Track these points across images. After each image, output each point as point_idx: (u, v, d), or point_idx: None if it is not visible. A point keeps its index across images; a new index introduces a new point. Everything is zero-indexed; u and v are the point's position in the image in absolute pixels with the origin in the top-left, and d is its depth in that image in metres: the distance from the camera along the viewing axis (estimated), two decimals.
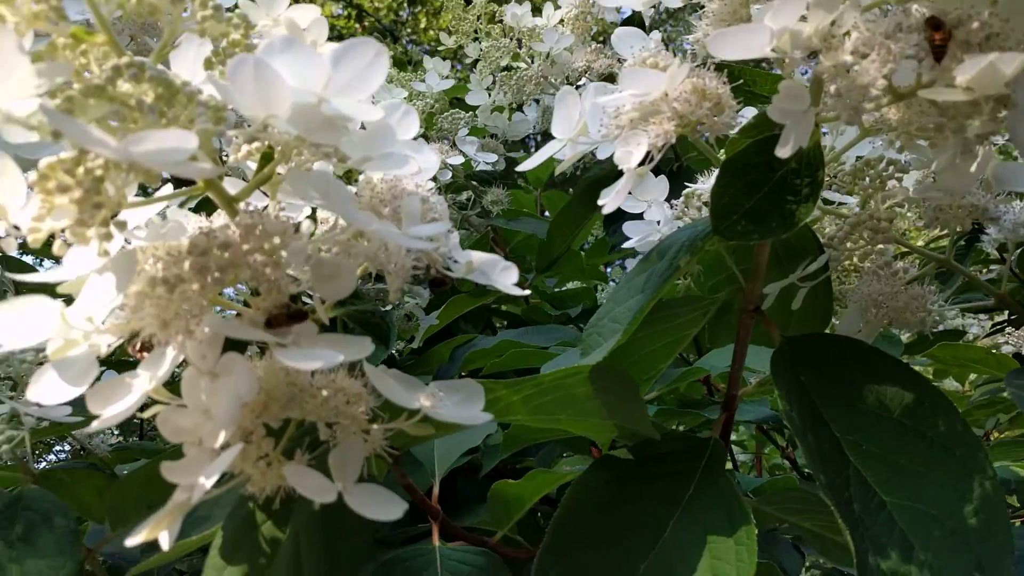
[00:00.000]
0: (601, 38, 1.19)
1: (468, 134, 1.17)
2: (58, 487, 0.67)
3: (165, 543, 0.37)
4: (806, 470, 1.28)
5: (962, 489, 0.50)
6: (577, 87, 0.67)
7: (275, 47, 0.31)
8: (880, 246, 0.52)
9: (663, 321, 0.58)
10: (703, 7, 0.49)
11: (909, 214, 0.51)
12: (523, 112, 1.24)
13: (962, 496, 0.50)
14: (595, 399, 0.56)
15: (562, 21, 1.09)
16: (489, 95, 1.16)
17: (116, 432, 1.41)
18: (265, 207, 0.39)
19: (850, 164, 0.53)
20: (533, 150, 1.45)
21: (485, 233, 1.20)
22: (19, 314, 0.33)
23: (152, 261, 0.35)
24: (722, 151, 0.56)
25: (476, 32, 1.17)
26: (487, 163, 1.11)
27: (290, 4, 0.40)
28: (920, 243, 0.71)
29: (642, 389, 0.65)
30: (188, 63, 0.37)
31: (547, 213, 1.65)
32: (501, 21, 1.12)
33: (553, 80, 1.09)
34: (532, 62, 1.10)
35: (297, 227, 0.37)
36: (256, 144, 0.36)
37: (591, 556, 0.57)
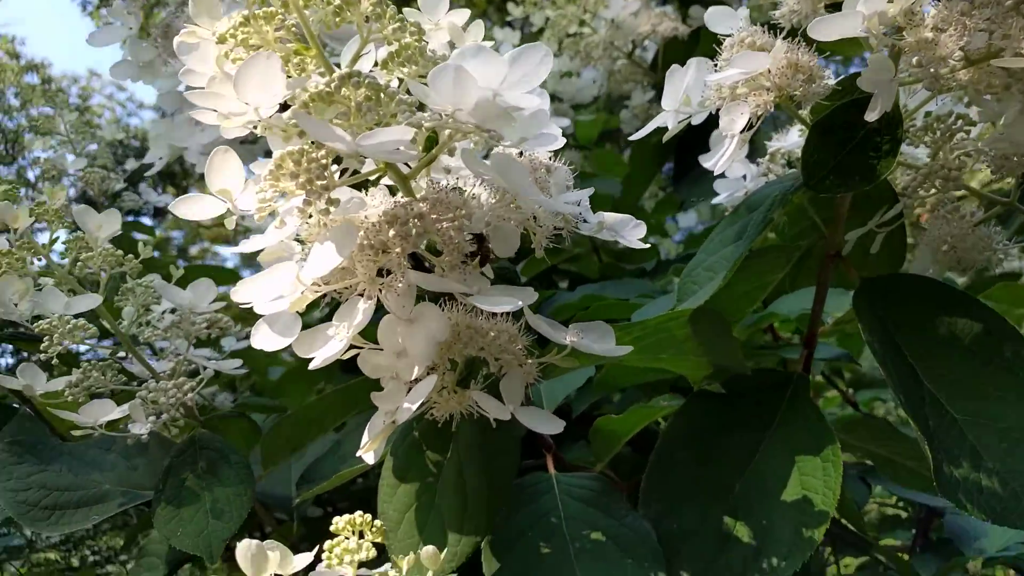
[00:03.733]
0: None
1: None
2: (215, 431, 0.77)
3: (371, 459, 0.46)
4: (863, 411, 1.35)
5: None
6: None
7: (467, 53, 0.39)
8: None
9: (752, 268, 0.65)
10: None
11: (977, 165, 0.57)
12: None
13: None
14: (693, 339, 0.64)
15: None
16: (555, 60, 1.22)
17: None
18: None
19: (921, 120, 0.59)
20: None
21: None
22: (270, 279, 0.42)
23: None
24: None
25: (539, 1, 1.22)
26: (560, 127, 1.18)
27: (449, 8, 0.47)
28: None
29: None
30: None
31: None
32: None
33: (619, 45, 1.15)
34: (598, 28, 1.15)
35: (472, 198, 0.45)
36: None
37: (690, 478, 0.66)
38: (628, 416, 0.73)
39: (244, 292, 0.41)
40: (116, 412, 0.63)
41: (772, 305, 0.92)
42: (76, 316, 0.63)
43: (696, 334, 0.63)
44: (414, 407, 0.43)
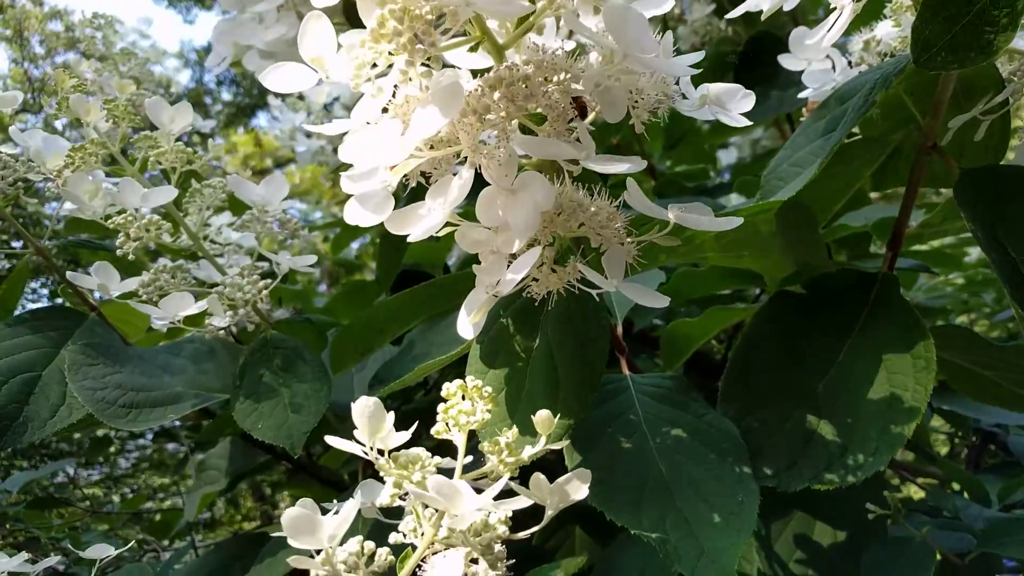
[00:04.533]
0: None
1: None
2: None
3: (470, 334, 0.46)
4: None
5: None
6: None
7: None
8: None
9: (841, 163, 0.63)
10: None
11: None
12: None
13: None
14: (779, 236, 0.62)
15: None
16: None
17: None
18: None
19: None
20: None
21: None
22: (370, 138, 0.41)
23: None
24: None
25: None
26: None
27: None
28: None
29: None
30: None
31: None
32: None
33: None
34: None
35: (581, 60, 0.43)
36: None
37: (771, 378, 0.65)
38: (704, 319, 0.72)
39: (348, 148, 0.40)
40: (194, 307, 0.63)
41: (842, 218, 0.90)
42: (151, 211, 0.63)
43: (783, 230, 0.61)
44: (518, 278, 0.42)
